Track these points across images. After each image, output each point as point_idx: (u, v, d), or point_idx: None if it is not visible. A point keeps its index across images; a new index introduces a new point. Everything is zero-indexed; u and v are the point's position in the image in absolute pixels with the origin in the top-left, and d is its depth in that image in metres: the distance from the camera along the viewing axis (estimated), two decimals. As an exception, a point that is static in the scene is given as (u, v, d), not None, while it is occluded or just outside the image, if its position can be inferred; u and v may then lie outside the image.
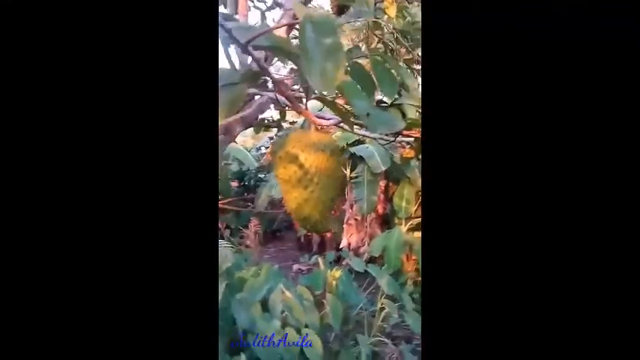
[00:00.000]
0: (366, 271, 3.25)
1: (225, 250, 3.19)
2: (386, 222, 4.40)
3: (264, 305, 2.17)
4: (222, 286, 2.21)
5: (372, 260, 3.86)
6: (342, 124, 0.62)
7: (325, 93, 0.51)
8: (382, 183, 4.35)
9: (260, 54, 0.86)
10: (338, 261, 4.21)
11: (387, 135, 0.70)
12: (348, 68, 0.69)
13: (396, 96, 0.75)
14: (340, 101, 0.63)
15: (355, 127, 0.69)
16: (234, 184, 5.85)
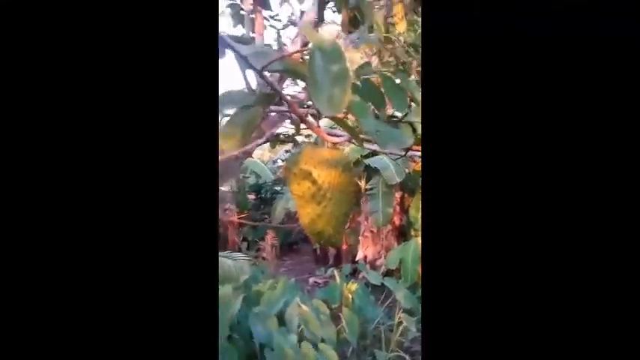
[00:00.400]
0: (382, 284, 3.21)
1: (241, 263, 3.22)
2: (402, 234, 4.34)
3: (281, 319, 2.17)
4: (239, 299, 2.22)
5: (388, 273, 3.80)
6: (353, 140, 0.64)
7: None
8: (398, 194, 4.31)
9: (275, 76, 0.89)
10: (354, 274, 4.16)
11: (398, 150, 0.71)
12: (359, 84, 0.71)
13: (407, 110, 0.76)
14: (351, 117, 0.65)
15: (366, 143, 0.70)
16: (251, 196, 5.93)
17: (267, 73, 0.51)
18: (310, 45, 0.42)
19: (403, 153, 0.64)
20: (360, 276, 3.88)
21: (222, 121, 0.59)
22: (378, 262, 4.18)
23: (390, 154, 0.69)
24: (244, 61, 0.48)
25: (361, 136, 0.60)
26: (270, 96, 0.55)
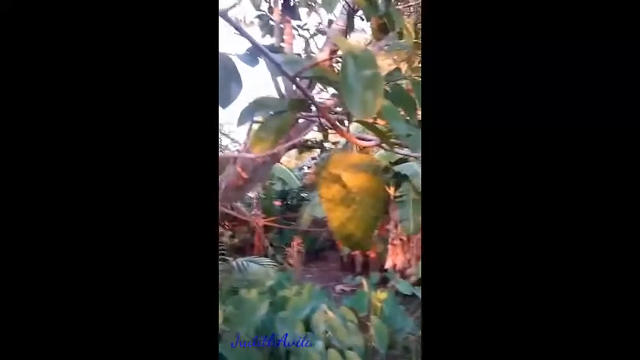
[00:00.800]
0: (413, 293, 3.13)
1: (267, 268, 3.27)
2: (432, 243, 4.22)
3: (307, 325, 2.17)
4: (265, 304, 2.25)
5: (419, 283, 3.70)
6: (383, 144, 0.64)
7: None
8: (427, 202, 4.21)
9: (304, 83, 0.91)
10: (383, 282, 4.09)
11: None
12: (389, 91, 0.71)
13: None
14: (381, 122, 0.65)
15: (397, 147, 0.70)
16: (278, 203, 6.01)
17: (298, 80, 0.52)
18: (341, 52, 0.43)
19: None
20: (390, 285, 3.81)
21: (254, 126, 0.60)
22: (408, 271, 4.08)
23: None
24: (277, 69, 0.49)
25: (391, 140, 0.60)
26: (301, 102, 0.56)
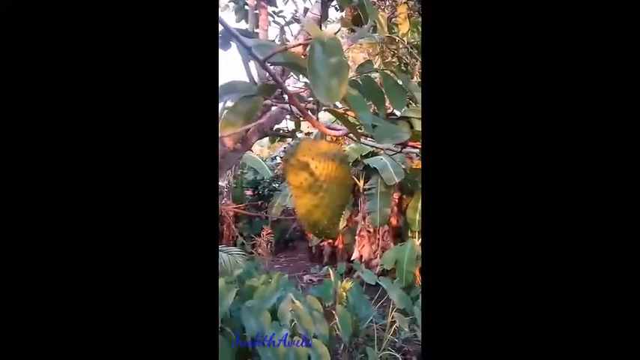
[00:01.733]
0: (377, 283, 3.23)
1: (236, 257, 3.24)
2: (399, 235, 4.36)
3: (274, 314, 2.18)
4: (232, 293, 2.24)
5: (383, 273, 3.82)
6: (350, 135, 0.66)
7: (334, 104, 0.54)
8: (396, 195, 4.33)
9: (276, 69, 0.90)
10: (349, 273, 4.18)
11: (394, 146, 0.72)
12: (360, 82, 0.73)
13: (405, 108, 0.77)
14: (351, 114, 0.67)
15: (365, 138, 0.72)
16: (249, 192, 5.94)
17: (269, 65, 0.52)
18: (313, 37, 0.44)
19: (399, 149, 0.66)
20: (355, 275, 3.90)
21: (224, 110, 0.60)
22: (374, 262, 4.20)
23: (387, 149, 0.70)
24: (247, 52, 0.49)
25: (359, 131, 0.61)
26: (272, 87, 0.56)
